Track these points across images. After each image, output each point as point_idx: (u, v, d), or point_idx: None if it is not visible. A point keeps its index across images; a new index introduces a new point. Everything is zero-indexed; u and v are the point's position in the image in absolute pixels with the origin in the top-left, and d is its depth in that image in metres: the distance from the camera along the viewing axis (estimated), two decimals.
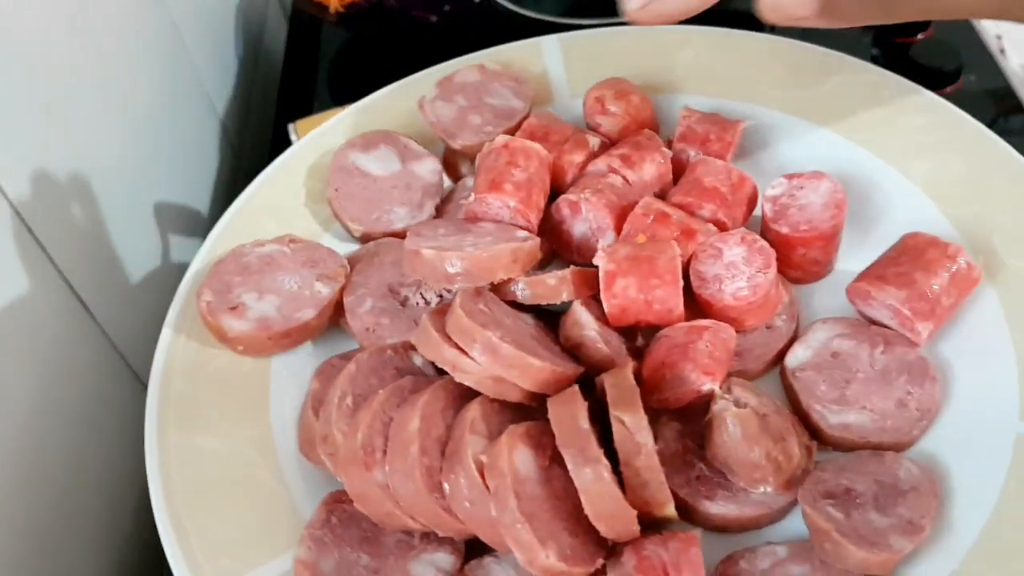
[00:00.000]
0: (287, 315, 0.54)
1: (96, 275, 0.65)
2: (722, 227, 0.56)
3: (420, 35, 0.63)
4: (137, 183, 0.69)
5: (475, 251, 0.50)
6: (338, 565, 0.44)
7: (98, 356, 0.66)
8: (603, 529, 0.42)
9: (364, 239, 0.60)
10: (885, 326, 0.51)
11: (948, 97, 0.61)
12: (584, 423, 0.42)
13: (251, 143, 1.03)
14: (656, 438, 0.48)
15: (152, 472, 0.49)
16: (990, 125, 0.60)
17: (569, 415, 0.43)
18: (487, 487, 0.42)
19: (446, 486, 0.44)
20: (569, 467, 0.41)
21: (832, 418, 0.48)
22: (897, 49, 0.74)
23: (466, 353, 0.46)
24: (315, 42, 0.87)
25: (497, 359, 0.45)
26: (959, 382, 0.49)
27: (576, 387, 0.45)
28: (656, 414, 0.50)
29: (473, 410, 0.45)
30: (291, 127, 0.78)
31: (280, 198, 0.62)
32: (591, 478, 0.41)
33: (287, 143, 0.76)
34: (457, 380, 0.46)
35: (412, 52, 0.65)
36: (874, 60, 0.72)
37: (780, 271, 0.56)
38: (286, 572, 0.45)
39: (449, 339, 0.46)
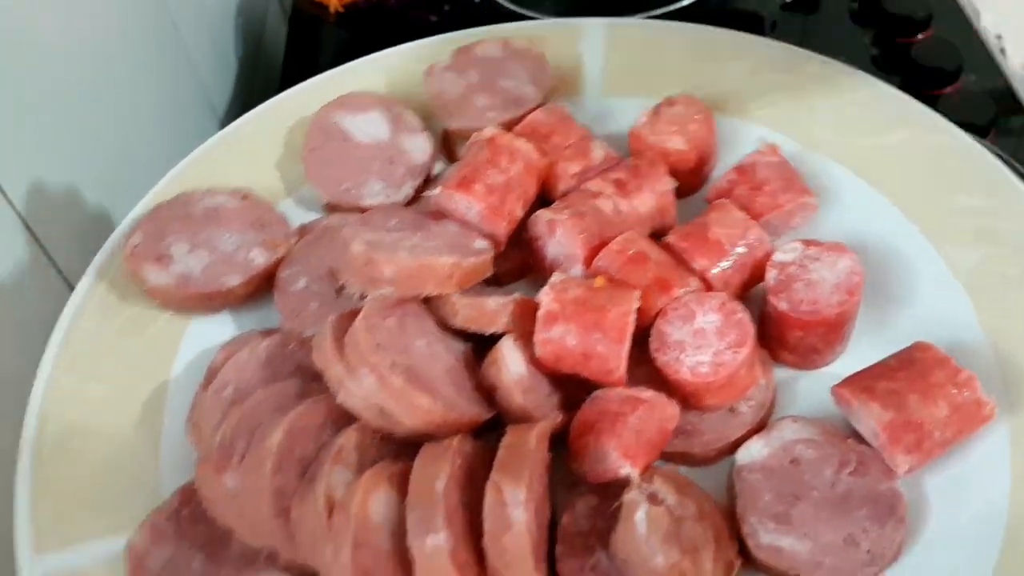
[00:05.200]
0: (211, 278, 0.52)
1: None
2: (710, 288, 0.50)
3: (420, 35, 0.63)
4: (137, 183, 0.67)
5: (407, 257, 0.47)
6: (169, 561, 0.43)
7: None
8: None
9: (329, 209, 0.58)
10: (867, 442, 0.46)
11: (948, 97, 0.61)
12: (440, 486, 0.39)
13: None
14: (566, 508, 0.45)
15: (30, 412, 0.49)
16: (989, 125, 0.59)
17: (429, 473, 0.40)
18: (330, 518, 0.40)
19: (294, 511, 0.41)
20: (408, 531, 0.38)
21: (764, 536, 0.43)
22: (897, 49, 0.75)
23: (354, 374, 0.43)
24: (315, 42, 0.89)
25: (383, 389, 0.42)
26: (930, 531, 0.43)
27: (455, 441, 0.42)
28: (575, 482, 0.46)
29: (347, 437, 0.43)
30: None
31: (255, 147, 0.60)
32: (428, 551, 0.38)
33: None
34: (339, 401, 0.43)
35: None
36: (873, 60, 0.74)
37: (772, 352, 0.51)
38: (117, 554, 0.44)
39: (342, 353, 0.44)
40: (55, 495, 0.46)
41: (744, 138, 0.59)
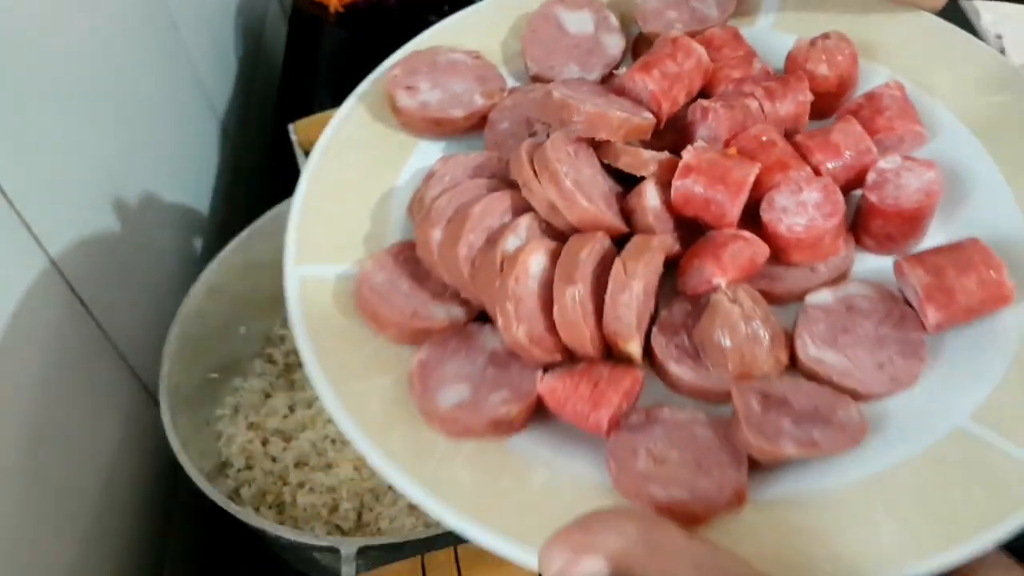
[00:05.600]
0: (442, 108, 0.71)
1: (96, 274, 0.68)
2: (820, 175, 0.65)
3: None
4: (137, 183, 0.72)
5: (591, 107, 0.64)
6: (386, 281, 0.61)
7: (98, 355, 0.70)
8: (562, 337, 0.56)
9: (533, 80, 0.75)
10: (911, 306, 0.59)
11: None
12: (584, 255, 0.56)
13: (251, 143, 1.05)
14: (665, 308, 0.61)
15: (302, 185, 0.68)
16: None
17: (579, 246, 0.57)
18: (501, 270, 0.58)
19: (478, 260, 0.59)
20: (554, 281, 0.56)
21: (812, 350, 0.58)
22: None
23: (538, 178, 0.60)
24: (315, 42, 0.90)
25: (555, 189, 0.59)
26: (943, 366, 0.57)
27: (601, 232, 0.58)
28: (677, 293, 0.62)
29: (524, 218, 0.60)
30: (291, 127, 0.84)
31: (490, 24, 0.78)
32: (566, 295, 0.55)
33: (287, 143, 0.83)
34: (523, 195, 0.61)
35: None
36: None
37: (857, 238, 0.64)
38: (348, 275, 0.63)
39: (531, 163, 0.61)
40: (311, 230, 0.66)
41: (879, 80, 0.72)
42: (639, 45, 0.78)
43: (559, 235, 0.61)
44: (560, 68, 0.75)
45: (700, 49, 0.69)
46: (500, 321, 0.56)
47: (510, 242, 0.59)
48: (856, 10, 0.76)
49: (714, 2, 0.76)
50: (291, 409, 0.90)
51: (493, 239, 0.60)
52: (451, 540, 0.69)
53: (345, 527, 0.82)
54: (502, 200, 0.62)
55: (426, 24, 0.77)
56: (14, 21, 0.59)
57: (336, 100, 0.72)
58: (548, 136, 0.69)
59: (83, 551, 0.65)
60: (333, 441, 0.87)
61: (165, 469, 0.83)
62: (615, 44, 0.76)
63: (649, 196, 0.62)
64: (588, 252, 0.57)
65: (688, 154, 0.63)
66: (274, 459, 0.86)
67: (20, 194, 0.58)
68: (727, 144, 0.66)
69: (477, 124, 0.72)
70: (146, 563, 0.78)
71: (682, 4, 0.76)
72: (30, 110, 0.60)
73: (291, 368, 0.95)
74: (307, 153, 0.88)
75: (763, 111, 0.68)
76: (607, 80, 0.75)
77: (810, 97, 0.68)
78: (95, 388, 0.69)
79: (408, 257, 0.63)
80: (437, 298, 0.61)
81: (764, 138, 0.65)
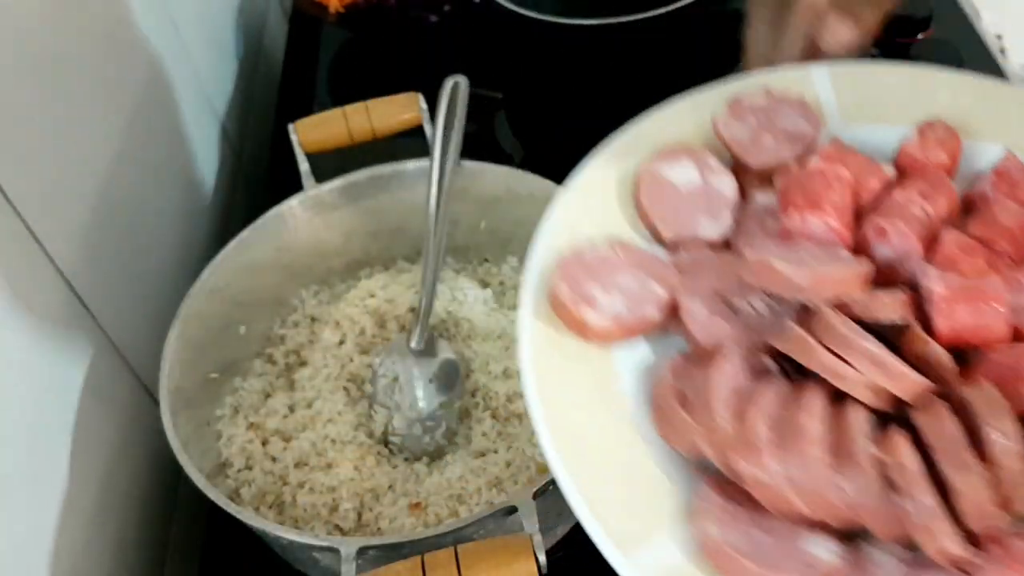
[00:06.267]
0: (636, 313, 0.63)
1: (96, 275, 0.68)
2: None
3: (420, 35, 0.67)
4: (137, 183, 0.73)
5: (827, 270, 0.60)
6: (740, 537, 0.53)
7: (98, 356, 0.70)
8: (973, 525, 0.52)
9: (671, 245, 0.69)
10: None
11: None
12: (955, 434, 0.52)
13: (251, 143, 1.07)
14: None
15: (550, 453, 0.56)
16: None
17: (939, 428, 0.53)
18: (887, 483, 0.52)
19: (845, 484, 0.53)
20: (948, 471, 0.51)
21: None
22: (897, 49, 0.81)
23: (845, 360, 0.55)
24: (315, 42, 0.92)
25: (878, 371, 0.54)
26: None
27: (941, 401, 0.55)
28: None
29: (859, 415, 0.55)
30: (291, 127, 0.84)
31: (594, 202, 0.70)
32: (970, 483, 0.51)
33: (287, 143, 0.82)
34: (836, 384, 0.55)
35: (412, 52, 0.69)
36: (873, 59, 0.79)
37: None
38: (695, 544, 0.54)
39: (824, 346, 0.56)
40: (598, 497, 0.55)
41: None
42: (736, 175, 0.74)
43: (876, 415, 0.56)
44: (692, 225, 0.69)
45: (844, 170, 0.67)
46: (921, 539, 0.51)
47: (868, 447, 0.53)
48: (906, 86, 0.78)
49: (798, 116, 0.74)
50: (291, 409, 0.88)
51: (847, 451, 0.54)
52: (451, 540, 0.68)
53: (345, 527, 0.80)
54: (815, 400, 0.55)
55: (426, 24, 0.68)
56: (13, 22, 0.58)
57: (336, 100, 0.66)
58: (755, 308, 0.64)
59: (82, 551, 0.64)
60: (333, 441, 0.85)
61: (165, 469, 0.82)
62: (728, 185, 0.72)
63: (929, 339, 0.59)
64: (954, 429, 0.53)
65: (938, 286, 0.60)
66: (274, 459, 0.84)
67: (20, 195, 0.57)
68: (924, 257, 0.65)
69: (672, 314, 0.64)
70: (146, 563, 0.78)
71: (770, 126, 0.73)
72: (30, 110, 0.59)
73: (291, 368, 0.92)
74: (307, 153, 0.88)
75: (926, 213, 0.68)
76: (738, 223, 0.71)
77: (957, 191, 0.69)
78: (95, 388, 0.68)
79: (730, 494, 0.55)
80: (803, 540, 0.54)
81: (959, 248, 0.65)
